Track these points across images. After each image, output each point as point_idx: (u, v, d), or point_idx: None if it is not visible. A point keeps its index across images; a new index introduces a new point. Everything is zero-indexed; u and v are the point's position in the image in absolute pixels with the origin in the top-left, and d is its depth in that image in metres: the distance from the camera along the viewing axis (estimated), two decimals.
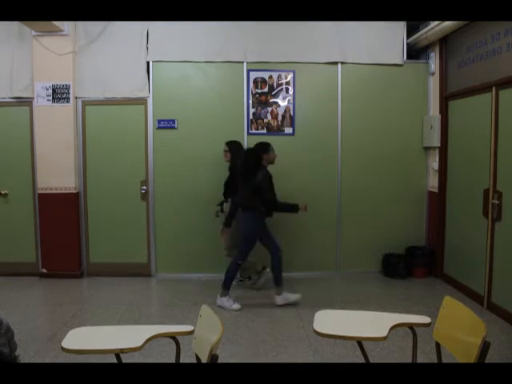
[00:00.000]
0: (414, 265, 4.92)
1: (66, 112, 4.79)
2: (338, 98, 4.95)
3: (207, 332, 1.88)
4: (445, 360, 2.08)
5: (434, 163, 4.91)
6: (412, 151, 5.06)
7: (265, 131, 4.96)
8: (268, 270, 4.45)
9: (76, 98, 4.86)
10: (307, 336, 3.41)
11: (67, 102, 4.78)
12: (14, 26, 4.73)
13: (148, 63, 4.85)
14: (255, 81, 4.92)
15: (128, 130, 4.91)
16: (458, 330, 1.91)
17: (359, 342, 2.19)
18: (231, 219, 4.10)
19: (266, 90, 4.94)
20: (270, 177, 4.03)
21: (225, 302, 4.03)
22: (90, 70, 4.82)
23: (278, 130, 4.97)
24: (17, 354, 1.92)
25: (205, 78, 4.91)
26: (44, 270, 4.92)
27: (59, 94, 4.77)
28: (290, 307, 4.07)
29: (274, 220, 4.69)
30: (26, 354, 3.01)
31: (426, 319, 2.12)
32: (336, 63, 4.91)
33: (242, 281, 4.71)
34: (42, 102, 4.77)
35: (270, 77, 4.93)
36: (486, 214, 3.99)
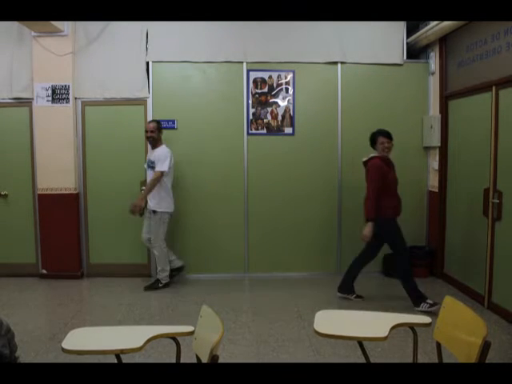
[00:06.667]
0: (414, 265, 4.89)
1: (65, 112, 4.79)
2: (338, 97, 4.95)
3: (208, 332, 1.88)
4: (445, 360, 2.08)
5: (434, 163, 4.91)
6: (412, 151, 5.06)
7: (265, 131, 4.96)
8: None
9: (76, 98, 4.86)
10: (308, 336, 3.41)
11: (67, 102, 4.78)
12: (13, 26, 4.73)
13: (147, 63, 4.85)
14: (255, 81, 4.92)
15: (128, 131, 4.91)
16: (458, 329, 1.91)
17: (360, 342, 2.19)
18: None
19: (265, 90, 4.94)
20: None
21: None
22: (90, 70, 4.83)
23: (278, 130, 4.97)
24: (17, 354, 1.91)
25: (204, 79, 4.91)
26: (44, 271, 4.91)
27: (59, 95, 4.77)
28: (290, 307, 4.07)
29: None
30: (27, 355, 3.01)
31: (426, 319, 2.12)
32: (336, 63, 4.91)
33: None
34: (41, 103, 4.77)
35: (270, 77, 4.93)
36: (486, 213, 3.98)
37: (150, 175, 4.55)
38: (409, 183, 5.08)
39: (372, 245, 4.11)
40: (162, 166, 4.41)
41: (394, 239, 4.02)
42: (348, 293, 4.25)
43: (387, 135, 4.05)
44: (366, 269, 5.04)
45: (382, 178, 3.94)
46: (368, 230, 3.92)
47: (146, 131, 4.55)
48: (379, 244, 4.16)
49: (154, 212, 4.47)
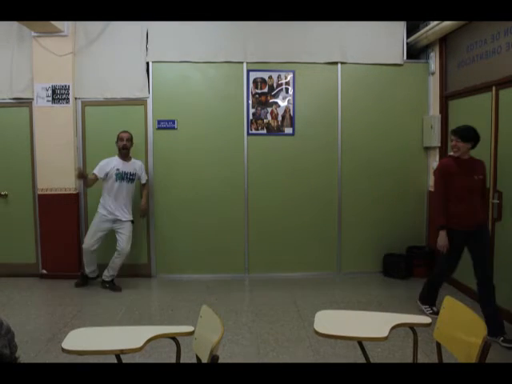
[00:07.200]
0: (414, 265, 4.91)
1: (65, 113, 4.79)
2: (338, 97, 4.95)
3: (208, 332, 1.88)
4: (445, 360, 2.08)
5: (434, 163, 4.90)
6: (412, 151, 5.06)
7: (265, 131, 4.96)
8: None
9: (76, 98, 4.86)
10: (308, 336, 3.41)
11: (67, 102, 4.78)
12: (13, 26, 4.73)
13: (148, 64, 4.85)
14: (255, 81, 4.92)
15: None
16: (458, 329, 1.91)
17: (360, 342, 2.19)
18: None
19: (265, 90, 4.94)
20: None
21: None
22: (90, 70, 4.82)
23: (278, 130, 4.97)
24: (17, 355, 1.92)
25: (205, 79, 4.91)
26: (44, 271, 4.91)
27: (59, 95, 4.77)
28: (290, 307, 4.07)
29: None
30: (27, 355, 3.01)
31: (426, 319, 2.12)
32: (336, 63, 4.91)
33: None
34: (41, 103, 4.77)
35: (270, 77, 4.93)
36: None
37: (127, 187, 4.54)
38: (409, 183, 5.10)
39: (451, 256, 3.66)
40: (146, 176, 4.76)
41: (444, 253, 3.64)
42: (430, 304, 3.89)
43: (453, 133, 3.52)
44: (367, 269, 5.09)
45: (442, 178, 3.54)
46: (440, 238, 3.55)
47: (121, 140, 4.50)
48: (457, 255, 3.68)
49: (133, 222, 4.62)
